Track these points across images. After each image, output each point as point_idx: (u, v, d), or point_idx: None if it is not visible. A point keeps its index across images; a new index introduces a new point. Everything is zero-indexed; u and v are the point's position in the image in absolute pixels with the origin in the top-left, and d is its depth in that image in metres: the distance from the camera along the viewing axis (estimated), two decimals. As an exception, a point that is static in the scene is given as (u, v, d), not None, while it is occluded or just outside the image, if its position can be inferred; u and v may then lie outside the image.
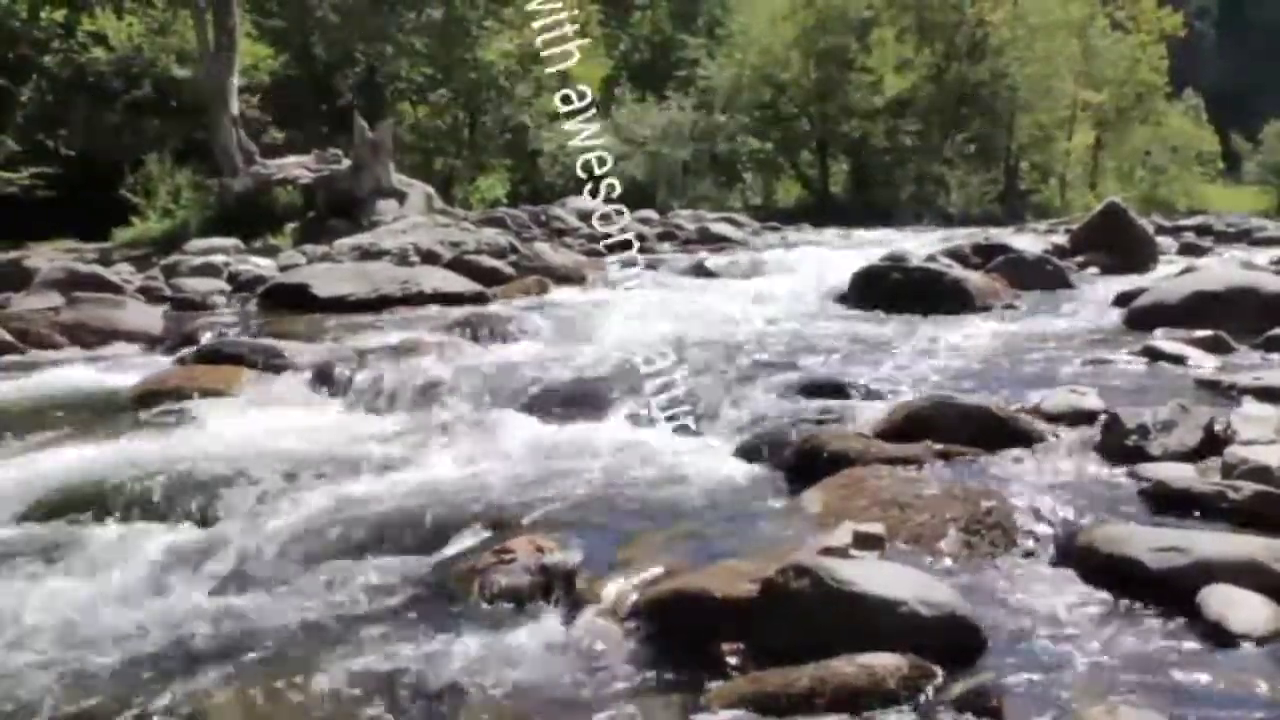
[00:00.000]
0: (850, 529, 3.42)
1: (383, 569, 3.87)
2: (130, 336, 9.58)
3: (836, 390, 5.82)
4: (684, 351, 7.04)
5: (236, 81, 21.49)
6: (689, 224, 21.50)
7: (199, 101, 23.64)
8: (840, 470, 4.34)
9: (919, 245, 15.03)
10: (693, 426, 5.59)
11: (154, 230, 20.62)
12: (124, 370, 8.10)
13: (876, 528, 3.50)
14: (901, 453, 4.51)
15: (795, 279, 12.02)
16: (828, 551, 3.25)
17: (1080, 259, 12.23)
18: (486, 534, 4.04)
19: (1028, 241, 13.84)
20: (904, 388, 5.85)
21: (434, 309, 10.13)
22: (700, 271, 13.25)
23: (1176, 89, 57.12)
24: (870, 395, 5.74)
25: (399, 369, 6.91)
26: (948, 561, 3.52)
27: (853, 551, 3.29)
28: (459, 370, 6.79)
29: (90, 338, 9.51)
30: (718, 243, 18.93)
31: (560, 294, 11.40)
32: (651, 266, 14.09)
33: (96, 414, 6.60)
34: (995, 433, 4.69)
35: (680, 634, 3.11)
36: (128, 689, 3.06)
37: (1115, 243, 12.36)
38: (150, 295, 12.07)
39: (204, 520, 4.52)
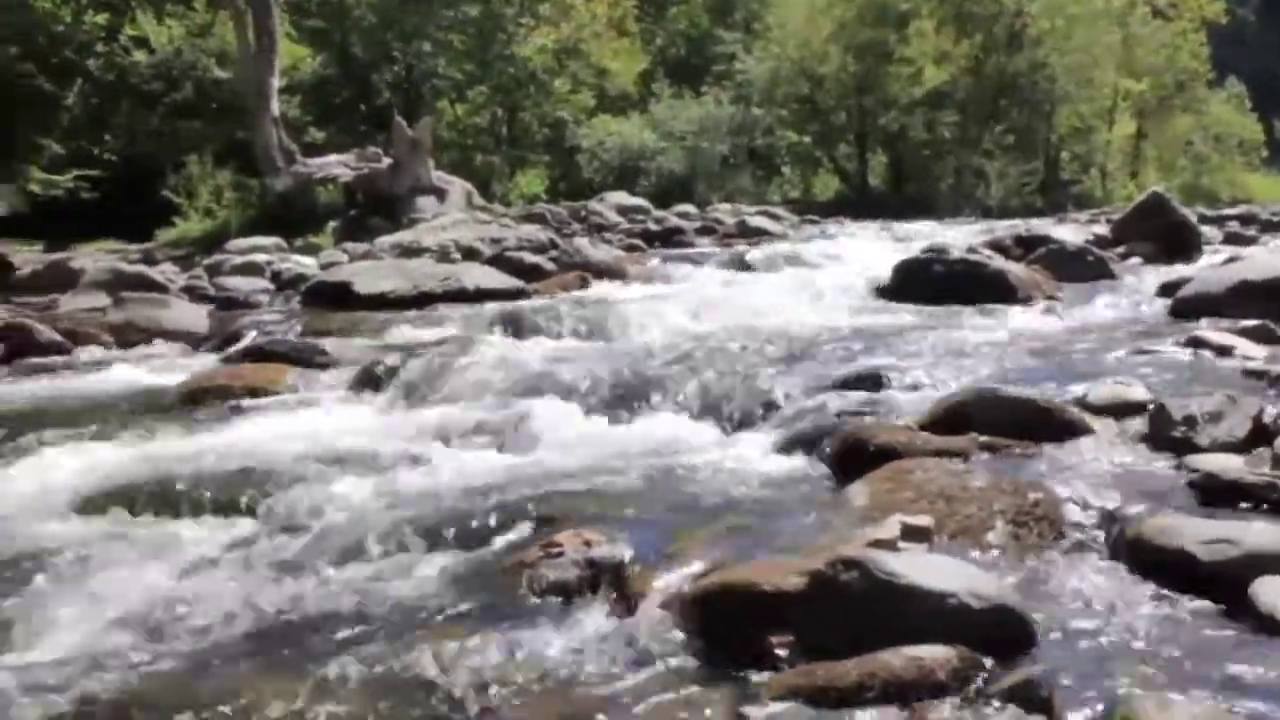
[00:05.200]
0: (898, 521, 3.42)
1: (430, 563, 3.89)
2: (175, 335, 9.69)
3: (879, 383, 5.79)
4: (725, 345, 7.04)
5: (276, 82, 21.60)
6: (728, 217, 21.49)
7: (239, 103, 23.82)
8: (885, 463, 4.31)
9: (959, 237, 14.98)
10: (735, 420, 5.58)
11: (196, 230, 20.80)
12: (170, 369, 8.19)
13: (924, 520, 3.49)
14: (946, 445, 4.48)
15: (835, 272, 12.00)
16: (876, 544, 3.24)
17: (1122, 249, 12.16)
18: (533, 528, 4.05)
19: (1069, 232, 13.76)
20: (947, 380, 5.81)
21: (475, 305, 10.17)
22: (740, 265, 13.24)
23: (1219, 77, 56.58)
24: (913, 388, 5.71)
25: (442, 365, 6.95)
26: (995, 554, 3.49)
27: (901, 544, 3.29)
28: (501, 366, 6.82)
29: (136, 337, 9.62)
30: (757, 236, 18.90)
31: (601, 289, 11.43)
32: (691, 260, 14.09)
33: (144, 412, 6.67)
34: (1041, 424, 4.65)
35: (728, 627, 3.10)
36: (177, 680, 3.10)
37: (1158, 233, 12.28)
38: (194, 294, 12.20)
39: (252, 515, 4.56)
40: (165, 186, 22.69)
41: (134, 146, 26.01)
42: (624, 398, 6.06)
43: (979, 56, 39.29)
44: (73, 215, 22.04)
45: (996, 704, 2.62)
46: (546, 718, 2.80)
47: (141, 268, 13.68)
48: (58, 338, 9.26)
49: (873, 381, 5.81)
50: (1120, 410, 4.91)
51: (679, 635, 3.15)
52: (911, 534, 3.36)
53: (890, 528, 3.39)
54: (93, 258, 16.38)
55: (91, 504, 4.74)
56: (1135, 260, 11.66)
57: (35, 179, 20.77)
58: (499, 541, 4.00)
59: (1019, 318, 8.19)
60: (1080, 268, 10.51)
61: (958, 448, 4.46)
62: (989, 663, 2.74)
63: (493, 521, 4.16)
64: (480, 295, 10.68)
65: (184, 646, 3.32)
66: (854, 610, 2.90)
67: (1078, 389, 5.29)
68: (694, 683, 2.94)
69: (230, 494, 4.73)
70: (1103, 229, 14.30)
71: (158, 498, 4.75)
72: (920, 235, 17.29)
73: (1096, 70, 41.09)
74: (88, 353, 9.17)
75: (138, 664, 3.20)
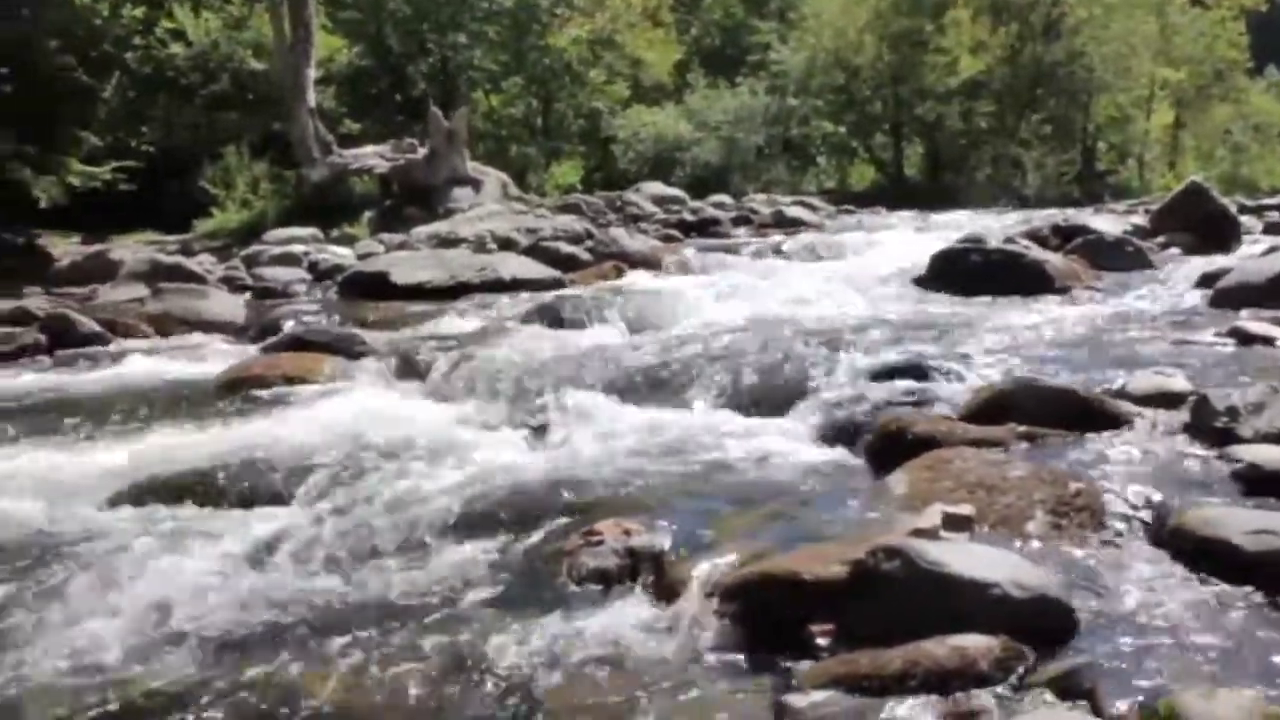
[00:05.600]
0: (939, 510, 3.41)
1: (470, 551, 3.91)
2: (214, 326, 9.75)
3: (917, 373, 5.77)
4: (762, 335, 7.02)
5: (313, 73, 21.67)
6: (763, 208, 21.45)
7: (275, 94, 23.91)
8: (924, 452, 4.30)
9: (996, 227, 14.88)
10: (773, 409, 5.57)
11: (233, 221, 20.90)
12: (209, 359, 8.25)
13: (966, 509, 3.48)
14: (986, 435, 4.47)
15: (872, 262, 11.95)
16: (917, 533, 3.24)
17: (1161, 239, 12.04)
18: (572, 516, 4.07)
19: (1107, 222, 13.62)
20: (985, 370, 5.77)
21: (512, 295, 10.19)
22: (777, 255, 13.21)
23: (1258, 66, 55.99)
24: (951, 377, 5.68)
25: (479, 355, 6.96)
26: (1036, 544, 3.48)
27: (942, 533, 3.28)
28: (538, 355, 6.83)
29: (175, 327, 9.69)
30: (793, 226, 18.85)
31: (637, 279, 11.41)
32: (727, 251, 14.06)
33: (183, 401, 6.72)
34: (1081, 414, 4.63)
35: (769, 616, 3.11)
36: (218, 667, 3.13)
37: (1197, 223, 12.14)
38: (232, 285, 12.27)
39: (292, 504, 4.59)
40: (202, 178, 22.83)
41: (171, 138, 26.16)
42: (661, 387, 6.07)
43: (1015, 46, 38.99)
44: (111, 207, 22.16)
45: (1039, 694, 2.62)
46: (587, 705, 2.82)
47: (179, 259, 13.76)
48: (97, 328, 9.33)
49: (910, 371, 5.79)
50: (1161, 401, 4.88)
51: (719, 623, 3.16)
52: (953, 523, 3.35)
53: (931, 517, 3.38)
54: (131, 249, 16.49)
55: (132, 493, 4.78)
56: (1174, 250, 11.54)
57: (74, 171, 20.86)
58: (538, 530, 4.02)
59: (1057, 308, 8.14)
60: (1119, 258, 10.43)
61: (997, 437, 4.44)
62: (1031, 653, 2.74)
63: (531, 510, 4.18)
64: (517, 285, 10.70)
65: (227, 634, 3.34)
66: (896, 599, 2.90)
67: (1118, 379, 5.27)
68: (734, 671, 2.95)
69: (270, 483, 4.77)
70: (1141, 219, 14.16)
71: (198, 487, 4.78)
72: (957, 225, 17.18)
73: (1134, 59, 40.68)
74: (127, 343, 9.23)
75: (181, 651, 3.23)
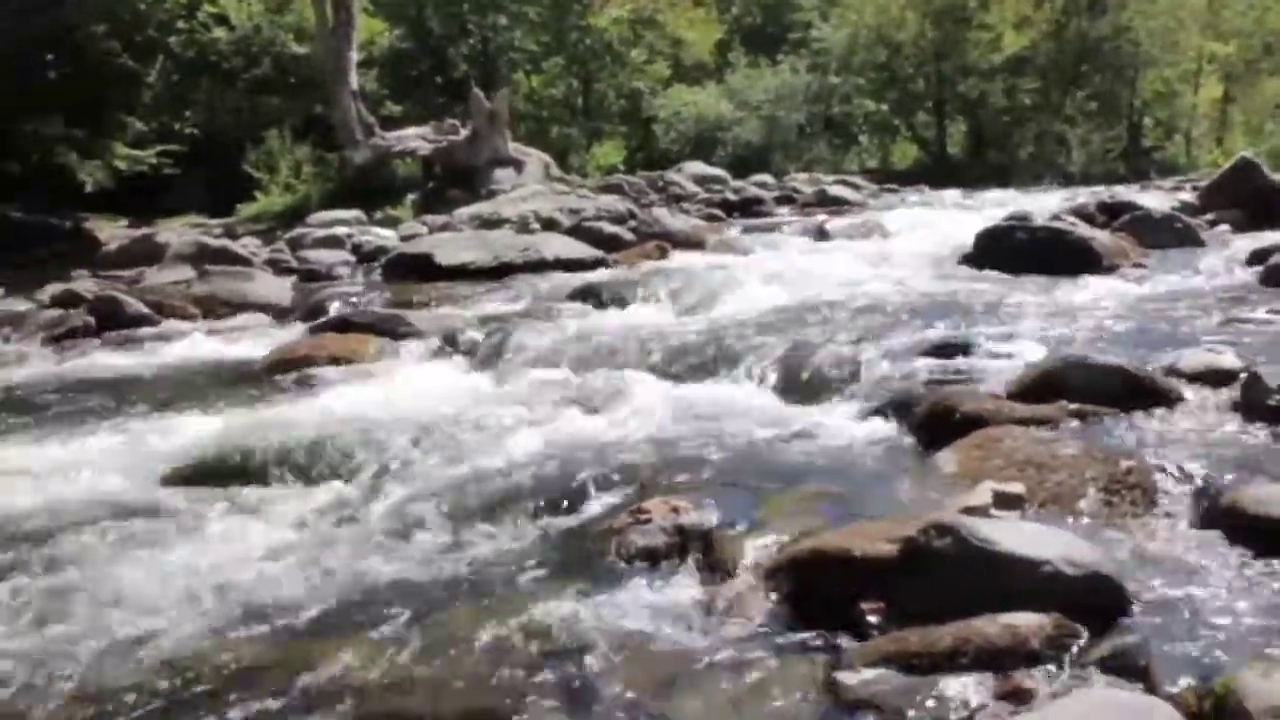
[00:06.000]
0: (990, 488, 3.39)
1: (518, 530, 3.93)
2: (260, 307, 9.82)
3: (964, 351, 5.74)
4: (807, 314, 7.01)
5: (354, 56, 21.72)
6: (806, 187, 21.39)
7: (317, 77, 23.99)
8: (972, 431, 4.28)
9: (1042, 205, 14.77)
10: (819, 388, 5.56)
11: (276, 204, 21.02)
12: (255, 340, 8.32)
13: (1017, 487, 3.46)
14: (1035, 413, 4.44)
15: (916, 240, 11.89)
16: (968, 511, 3.22)
17: (1210, 216, 11.92)
18: (620, 495, 4.08)
19: (1154, 199, 13.51)
20: (1033, 348, 5.72)
21: (556, 275, 10.22)
22: (820, 234, 13.15)
23: (1308, 39, 55.28)
24: (999, 356, 5.64)
25: (524, 334, 6.99)
26: (1087, 522, 3.46)
27: (993, 511, 3.26)
28: (584, 335, 6.85)
29: (222, 309, 9.77)
30: (836, 205, 18.80)
31: (681, 259, 11.39)
32: (771, 230, 14.04)
33: (232, 382, 6.79)
34: (1131, 392, 4.59)
35: (819, 593, 3.10)
36: (273, 644, 3.15)
37: (1247, 199, 12.01)
38: (277, 267, 12.35)
39: (340, 482, 4.62)
40: (245, 161, 22.96)
41: (214, 122, 26.31)
42: (707, 366, 6.06)
43: (1060, 20, 38.58)
44: (155, 191, 22.35)
45: (1093, 672, 2.60)
46: (638, 682, 2.81)
47: (225, 241, 13.87)
48: (145, 310, 9.42)
49: (958, 349, 5.76)
50: (1212, 378, 4.83)
51: (768, 601, 3.16)
52: (1004, 501, 3.34)
53: (982, 494, 3.36)
54: (176, 232, 16.64)
55: (182, 472, 4.84)
56: (1223, 227, 11.42)
57: (120, 155, 21.06)
58: (586, 508, 4.03)
59: (1105, 285, 8.05)
60: (1167, 235, 10.32)
61: (1046, 415, 4.41)
62: (1084, 631, 2.72)
63: (579, 489, 4.19)
64: (560, 265, 10.72)
65: (280, 612, 3.36)
66: (947, 577, 2.89)
67: (1168, 357, 5.21)
68: (785, 648, 2.94)
69: (319, 462, 4.79)
70: (1189, 196, 14.04)
71: (249, 466, 4.82)
72: (1001, 203, 17.07)
73: (1181, 33, 40.18)
74: (174, 325, 9.31)
75: (235, 628, 3.26)
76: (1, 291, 10.96)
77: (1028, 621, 2.69)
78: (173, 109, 25.42)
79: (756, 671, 2.83)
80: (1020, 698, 2.50)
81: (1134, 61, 39.20)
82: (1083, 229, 9.85)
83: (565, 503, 4.09)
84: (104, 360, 7.98)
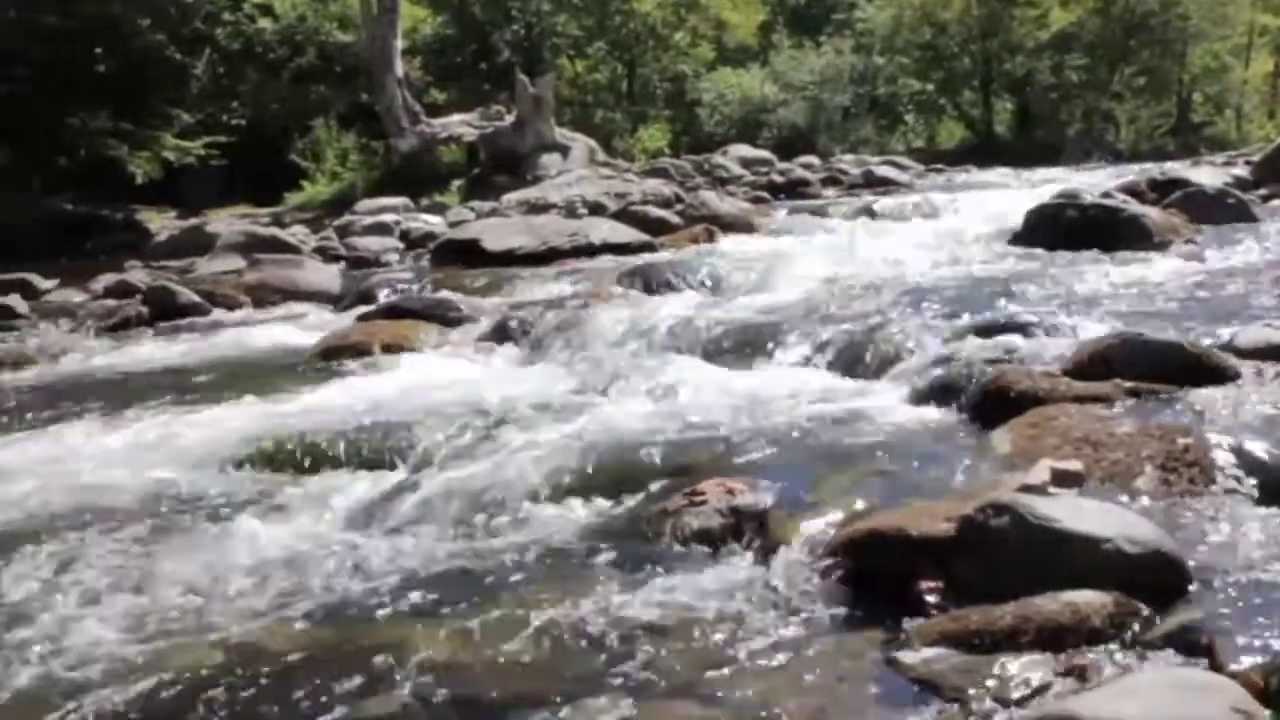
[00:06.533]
0: (1048, 466, 3.37)
1: (572, 512, 3.95)
2: (310, 295, 9.90)
3: (1016, 330, 5.68)
4: (857, 295, 6.99)
5: (399, 43, 21.78)
6: (852, 168, 21.30)
7: (362, 66, 24.08)
8: (1027, 409, 4.25)
9: (1091, 182, 14.64)
10: (870, 368, 5.55)
11: (323, 193, 21.14)
12: (306, 327, 8.39)
13: (1075, 465, 3.44)
14: (1090, 391, 4.40)
15: (965, 220, 11.81)
16: (1026, 489, 3.20)
17: (1263, 191, 11.78)
18: (674, 477, 4.07)
19: (1205, 175, 13.34)
20: (1086, 326, 5.68)
21: (603, 260, 10.22)
22: (868, 215, 13.09)
23: (1362, 10, 54.50)
24: (1052, 334, 5.59)
25: (574, 319, 7.01)
26: (1145, 499, 3.43)
27: (1051, 489, 3.24)
28: (633, 318, 6.84)
29: (272, 297, 9.85)
30: (882, 186, 18.72)
31: (728, 242, 11.35)
32: (818, 212, 13.99)
33: (284, 369, 6.85)
34: (1187, 369, 4.53)
35: (876, 573, 3.11)
36: (327, 626, 3.19)
37: (1300, 173, 11.87)
38: (326, 255, 12.43)
39: (393, 468, 4.66)
40: (292, 151, 23.08)
41: (261, 113, 26.48)
42: (758, 349, 6.05)
43: (1107, -4, 38.32)
44: (203, 182, 22.51)
45: (1155, 650, 2.58)
46: (696, 662, 2.82)
47: (274, 230, 13.97)
48: (197, 299, 9.52)
49: (1010, 328, 5.70)
50: (1269, 354, 4.77)
51: (825, 581, 3.16)
52: (1062, 479, 3.31)
53: (1040, 473, 3.34)
54: (225, 222, 16.79)
55: (239, 457, 4.89)
56: (1277, 203, 11.29)
57: (168, 147, 21.20)
58: (640, 491, 4.03)
59: (1158, 262, 7.96)
60: (1219, 211, 10.19)
61: (1102, 393, 4.37)
62: (1145, 609, 2.70)
63: (632, 471, 4.20)
64: (608, 250, 10.71)
65: (334, 595, 3.40)
66: (1005, 555, 2.88)
67: (1224, 333, 5.15)
68: (842, 628, 2.95)
69: (372, 447, 4.84)
70: (1241, 171, 13.88)
71: (303, 451, 4.87)
72: (1050, 181, 16.93)
73: (1231, 6, 39.61)
74: (226, 313, 9.42)
75: (289, 611, 3.30)
76: (56, 283, 11.08)
77: (1088, 600, 2.68)
78: (219, 100, 25.58)
79: (815, 651, 2.83)
80: (1083, 676, 2.48)
81: (1183, 36, 38.72)
82: (1134, 206, 9.77)
83: (620, 486, 4.10)
84: (158, 349, 8.06)
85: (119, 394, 6.40)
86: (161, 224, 19.44)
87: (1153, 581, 2.79)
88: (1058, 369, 4.81)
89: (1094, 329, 5.56)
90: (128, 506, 4.31)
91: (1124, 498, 3.42)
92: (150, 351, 8.01)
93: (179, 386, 6.42)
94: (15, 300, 9.79)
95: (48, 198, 17.82)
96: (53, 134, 19.04)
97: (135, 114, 20.47)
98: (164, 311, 9.28)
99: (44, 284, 11.00)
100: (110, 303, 9.80)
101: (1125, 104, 37.89)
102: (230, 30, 26.12)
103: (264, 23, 27.07)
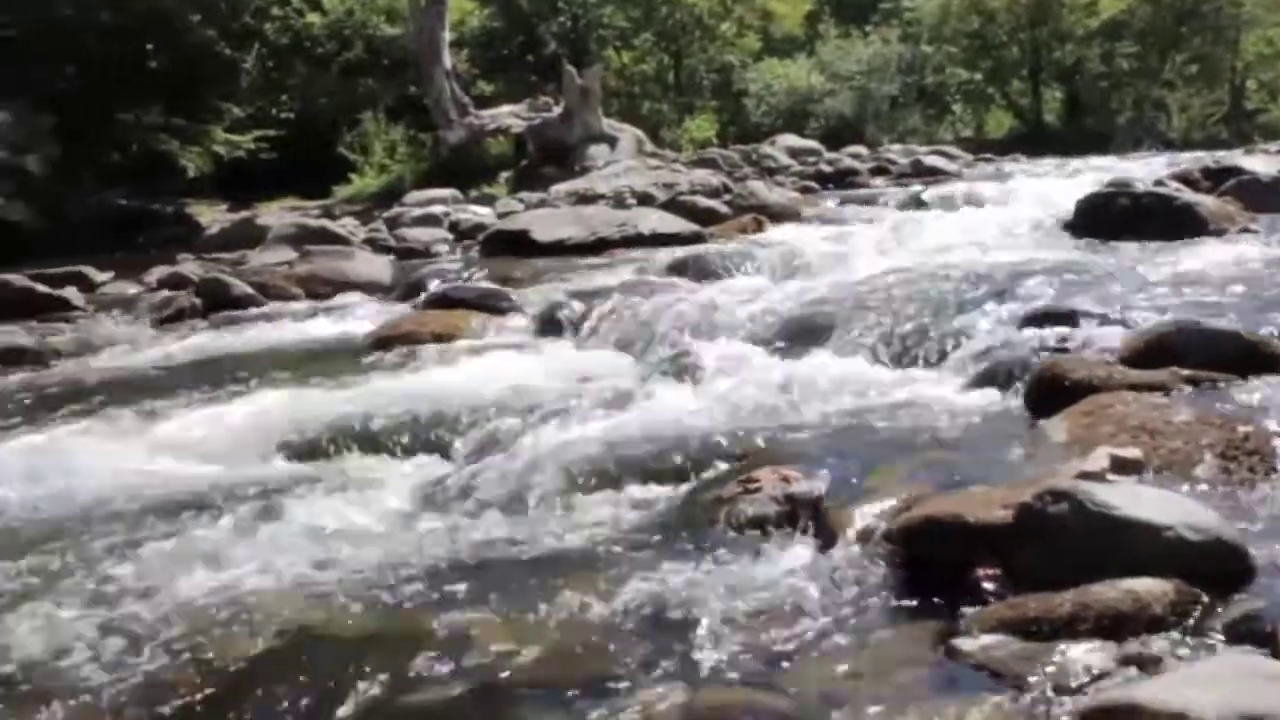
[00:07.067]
0: (1106, 453, 3.34)
1: (625, 500, 3.96)
2: (360, 286, 9.97)
3: (1069, 318, 5.63)
4: (909, 283, 6.94)
5: (447, 35, 21.86)
6: (900, 158, 21.23)
7: (409, 59, 24.18)
8: (1082, 398, 4.21)
9: (1142, 171, 14.52)
10: (923, 357, 5.53)
11: (372, 185, 21.27)
12: (357, 317, 8.46)
13: (1134, 452, 3.40)
14: (1147, 379, 4.35)
15: (1015, 209, 11.70)
16: (1084, 476, 3.17)
17: (1320, 180, 11.62)
18: (727, 465, 4.08)
19: (1260, 163, 13.17)
20: (1141, 314, 5.61)
21: (653, 250, 10.22)
22: (917, 204, 13.03)
23: None
24: (1106, 322, 5.53)
25: (626, 307, 7.01)
26: (1205, 488, 3.39)
27: (1110, 476, 3.21)
28: (684, 307, 6.83)
29: (323, 288, 9.93)
30: (931, 175, 18.62)
31: (778, 231, 11.33)
32: (867, 201, 13.95)
33: (337, 359, 6.91)
34: (1246, 358, 4.47)
35: (932, 560, 3.09)
36: (383, 614, 3.20)
37: (1359, 160, 11.71)
38: (376, 246, 12.51)
39: (446, 456, 4.71)
40: (340, 144, 23.22)
41: (309, 106, 26.66)
42: (810, 337, 6.03)
43: (1158, -18, 37.95)
44: (253, 175, 22.70)
45: (1218, 639, 2.56)
46: (752, 649, 2.82)
47: (324, 222, 14.09)
48: (249, 290, 9.62)
49: (1063, 317, 5.65)
50: (1330, 343, 4.71)
51: (882, 568, 3.15)
52: (1121, 466, 3.28)
53: (1098, 460, 3.31)
54: (275, 215, 16.92)
55: (293, 445, 4.96)
56: (1334, 190, 11.13)
57: (219, 141, 21.41)
58: (694, 478, 4.05)
59: (1213, 251, 7.87)
60: (1275, 199, 10.05)
61: (1159, 381, 4.32)
62: (1206, 597, 2.67)
63: (686, 459, 4.20)
64: (657, 240, 10.73)
65: (391, 581, 3.41)
66: (1064, 542, 2.85)
67: (1282, 321, 5.10)
68: (900, 615, 2.94)
69: (426, 435, 4.89)
70: (1297, 158, 13.73)
71: (356, 439, 4.93)
72: (1100, 170, 16.78)
73: (1286, -9, 39.33)
74: (278, 304, 9.51)
75: (345, 598, 3.31)
76: (111, 275, 11.20)
77: (1149, 587, 2.65)
78: (269, 94, 25.77)
79: (872, 638, 2.82)
80: (1144, 664, 2.46)
81: (1236, 22, 38.27)
82: (1187, 194, 9.66)
83: (673, 473, 4.11)
84: (212, 340, 8.16)
85: (174, 382, 6.49)
86: (212, 217, 19.61)
87: (1214, 569, 2.75)
88: (1113, 357, 4.78)
89: (1149, 317, 5.50)
90: (185, 492, 4.37)
91: (1183, 486, 3.38)
92: (204, 341, 8.11)
93: (233, 375, 6.48)
94: (72, 293, 9.92)
95: (101, 193, 17.98)
96: (106, 130, 19.24)
97: (187, 109, 20.69)
98: (217, 302, 9.38)
99: (100, 276, 11.12)
100: (164, 294, 9.90)
101: (1177, 92, 37.53)
102: (279, 25, 26.36)
103: (312, 17, 27.28)
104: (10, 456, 5.04)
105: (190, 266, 11.35)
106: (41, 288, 9.78)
